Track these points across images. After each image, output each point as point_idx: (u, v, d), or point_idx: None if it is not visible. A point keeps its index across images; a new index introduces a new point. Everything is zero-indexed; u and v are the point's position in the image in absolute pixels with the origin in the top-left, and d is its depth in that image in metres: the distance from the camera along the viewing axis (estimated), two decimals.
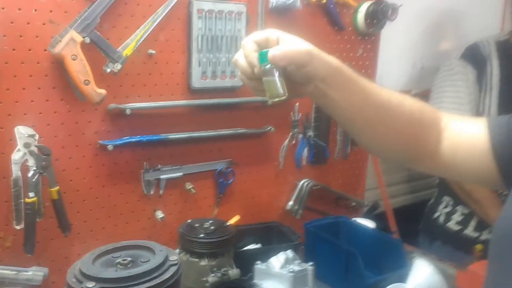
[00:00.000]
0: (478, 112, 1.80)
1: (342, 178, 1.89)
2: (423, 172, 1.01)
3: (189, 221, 1.36)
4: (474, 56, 1.87)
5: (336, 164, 1.85)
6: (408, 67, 2.27)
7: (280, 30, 0.84)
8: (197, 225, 1.31)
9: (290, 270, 1.24)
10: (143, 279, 0.67)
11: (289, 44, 0.79)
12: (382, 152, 1.04)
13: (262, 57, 0.77)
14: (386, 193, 1.91)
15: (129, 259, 0.73)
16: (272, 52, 0.77)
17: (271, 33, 0.81)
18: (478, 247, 1.65)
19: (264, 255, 1.35)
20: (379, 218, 1.87)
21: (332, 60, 0.84)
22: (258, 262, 1.29)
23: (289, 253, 1.31)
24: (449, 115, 1.00)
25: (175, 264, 0.73)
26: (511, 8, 2.02)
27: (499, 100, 1.81)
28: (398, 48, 2.12)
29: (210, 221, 1.34)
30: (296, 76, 0.82)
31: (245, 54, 0.81)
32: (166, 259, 0.71)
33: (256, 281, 1.24)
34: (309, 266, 1.28)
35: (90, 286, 0.66)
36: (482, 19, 2.40)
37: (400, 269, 1.45)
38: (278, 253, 1.36)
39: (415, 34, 2.22)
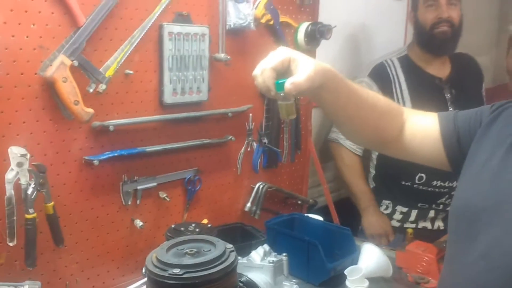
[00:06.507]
0: None
1: (289, 180, 2.10)
2: (388, 155, 1.25)
3: (173, 226, 1.48)
4: (380, 76, 2.14)
5: (285, 167, 2.06)
6: None
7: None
8: (182, 228, 1.43)
9: (270, 261, 1.41)
10: (216, 263, 0.81)
11: (300, 74, 0.94)
12: (358, 139, 1.32)
13: (279, 86, 0.93)
14: (328, 189, 2.15)
15: (195, 250, 0.85)
16: (287, 87, 0.93)
17: (283, 55, 0.95)
18: (410, 230, 1.93)
19: (240, 251, 1.50)
20: (319, 213, 2.10)
21: (328, 67, 1.02)
22: (239, 257, 1.44)
23: (266, 247, 1.47)
24: (409, 110, 1.24)
25: (233, 250, 0.87)
26: (411, 25, 2.27)
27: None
28: (324, 62, 2.37)
29: (193, 225, 1.47)
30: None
31: (263, 80, 0.96)
32: (225, 247, 0.85)
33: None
34: (283, 257, 1.45)
35: (176, 271, 0.77)
36: (390, 33, 2.76)
37: (352, 254, 1.68)
38: (250, 250, 1.52)
39: (337, 48, 2.49)
